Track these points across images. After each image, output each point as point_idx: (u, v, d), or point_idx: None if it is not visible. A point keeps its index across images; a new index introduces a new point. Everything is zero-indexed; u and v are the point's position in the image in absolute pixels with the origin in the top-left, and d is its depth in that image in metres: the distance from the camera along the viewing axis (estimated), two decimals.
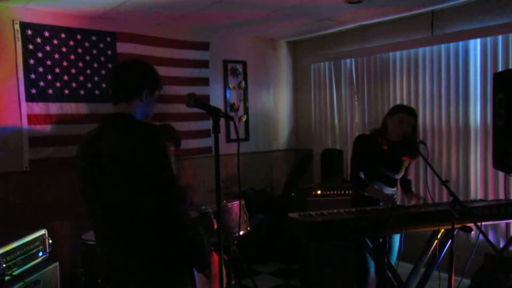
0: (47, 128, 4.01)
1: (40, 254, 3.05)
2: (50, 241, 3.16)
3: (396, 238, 3.21)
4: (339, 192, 4.18)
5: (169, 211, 1.87)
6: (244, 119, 5.54)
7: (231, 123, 2.01)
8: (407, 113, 3.02)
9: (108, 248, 2.00)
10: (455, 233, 2.44)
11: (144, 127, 1.92)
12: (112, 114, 2.01)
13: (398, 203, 3.28)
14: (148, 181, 1.82)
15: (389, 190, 3.18)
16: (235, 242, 4.06)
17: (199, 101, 1.95)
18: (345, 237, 3.06)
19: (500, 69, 3.89)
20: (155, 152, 1.84)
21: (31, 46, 3.88)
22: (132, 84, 2.00)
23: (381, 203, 2.91)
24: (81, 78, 4.18)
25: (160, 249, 1.88)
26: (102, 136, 1.95)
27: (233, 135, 5.36)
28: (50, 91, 4.01)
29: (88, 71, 4.22)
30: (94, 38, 4.25)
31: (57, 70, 4.03)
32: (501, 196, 3.91)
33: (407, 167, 3.25)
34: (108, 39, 4.34)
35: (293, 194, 4.84)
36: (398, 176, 3.22)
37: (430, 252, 2.99)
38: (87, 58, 4.21)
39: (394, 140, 3.03)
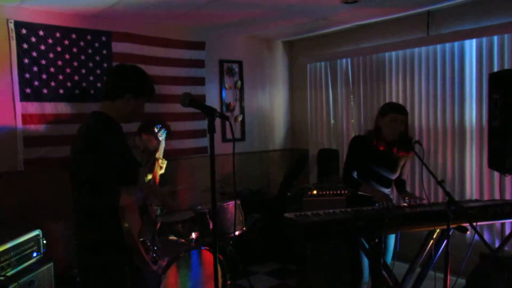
0: (41, 127, 3.99)
1: (35, 254, 3.04)
2: (45, 242, 3.15)
3: (392, 238, 3.22)
4: (335, 192, 4.16)
5: (86, 204, 2.09)
6: (240, 119, 5.53)
7: (227, 122, 2.05)
8: (398, 112, 3.03)
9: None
10: (450, 233, 2.45)
11: (93, 123, 2.15)
12: (93, 112, 2.23)
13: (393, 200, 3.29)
14: (85, 177, 2.02)
15: (384, 191, 3.18)
16: (231, 242, 4.05)
17: (194, 101, 1.94)
18: (341, 237, 3.07)
19: (495, 69, 3.90)
20: (85, 147, 2.06)
21: (25, 45, 3.85)
22: (116, 85, 2.19)
23: (376, 204, 2.91)
24: (76, 77, 4.16)
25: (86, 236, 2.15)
26: (78, 133, 2.19)
27: (228, 135, 5.36)
28: (45, 91, 3.98)
29: (83, 71, 4.20)
30: (89, 37, 4.23)
31: (52, 69, 4.01)
32: (497, 196, 3.92)
33: (402, 167, 3.25)
34: (103, 38, 4.32)
35: (289, 194, 4.84)
36: (394, 177, 3.23)
37: (425, 252, 2.99)
38: (82, 57, 4.19)
39: (390, 140, 3.03)
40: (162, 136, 3.17)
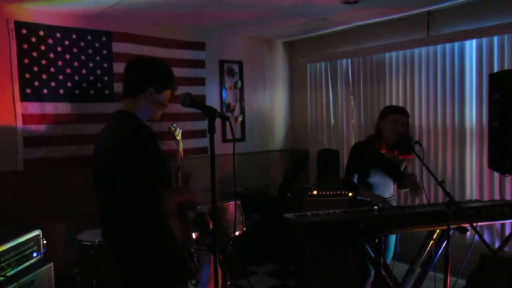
0: (42, 128, 3.99)
1: (35, 254, 3.04)
2: (45, 242, 3.15)
3: (392, 238, 3.22)
4: (335, 193, 4.17)
5: (144, 215, 1.96)
6: (240, 119, 5.53)
7: (227, 123, 2.02)
8: (398, 113, 3.03)
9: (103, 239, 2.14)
10: (450, 233, 2.44)
11: (132, 123, 1.99)
12: (117, 111, 2.08)
13: (395, 204, 3.29)
14: (128, 181, 1.92)
15: (386, 192, 3.18)
16: (231, 242, 4.05)
17: (194, 101, 1.94)
18: (341, 238, 3.06)
19: (495, 70, 3.90)
20: (127, 150, 1.93)
21: (26, 46, 3.85)
22: (137, 79, 2.04)
23: (380, 204, 2.91)
24: (76, 77, 4.16)
25: (129, 252, 1.98)
26: (105, 133, 2.07)
27: (229, 135, 5.35)
28: (45, 91, 3.98)
29: (84, 71, 4.20)
30: (89, 37, 4.23)
31: (52, 69, 4.01)
32: (497, 196, 3.92)
33: (405, 167, 3.25)
34: (104, 38, 4.32)
35: (289, 194, 4.83)
36: (396, 181, 3.23)
37: (425, 253, 2.99)
38: (83, 57, 4.19)
39: (391, 142, 3.04)
40: (179, 135, 2.96)
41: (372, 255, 2.80)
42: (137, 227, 1.98)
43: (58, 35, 4.03)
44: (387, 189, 3.21)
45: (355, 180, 3.16)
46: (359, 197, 3.12)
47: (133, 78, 2.06)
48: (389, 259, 3.22)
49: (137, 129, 1.98)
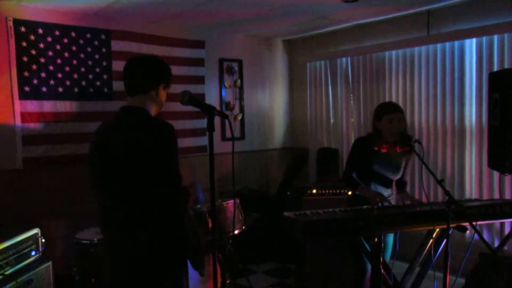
0: (40, 126, 3.98)
1: (33, 253, 3.03)
2: (43, 240, 3.14)
3: (390, 237, 3.21)
4: (334, 191, 4.17)
5: (172, 209, 1.97)
6: (239, 117, 5.52)
7: (227, 121, 2.04)
8: (393, 112, 3.01)
9: (109, 239, 2.12)
10: (450, 232, 2.44)
11: (160, 124, 2.02)
12: (128, 106, 2.09)
13: (393, 203, 3.28)
14: (157, 177, 1.92)
15: (385, 191, 3.17)
16: (230, 241, 4.05)
17: (193, 99, 1.94)
18: (341, 236, 3.07)
19: (495, 68, 3.89)
20: (167, 150, 1.94)
21: (24, 44, 3.84)
22: (149, 76, 2.09)
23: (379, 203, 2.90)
24: (75, 75, 4.15)
25: (156, 243, 1.96)
26: (116, 129, 2.05)
27: (228, 134, 5.35)
28: (44, 89, 3.97)
29: (83, 69, 4.19)
30: (88, 35, 4.22)
31: (51, 67, 4.00)
32: (496, 195, 3.92)
33: (405, 167, 3.25)
34: (103, 36, 4.31)
35: (288, 193, 4.83)
36: (397, 177, 3.22)
37: (425, 251, 2.99)
38: (82, 55, 4.18)
39: (390, 140, 3.03)
40: None
41: (371, 253, 2.80)
42: (165, 219, 1.99)
43: (57, 33, 4.02)
44: (386, 187, 3.20)
45: (355, 176, 3.14)
46: (357, 193, 3.10)
47: (145, 75, 2.09)
48: (387, 257, 3.22)
49: (164, 123, 2.03)
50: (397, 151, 3.06)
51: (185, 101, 1.92)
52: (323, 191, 4.18)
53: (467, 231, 2.48)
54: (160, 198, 1.96)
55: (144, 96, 2.08)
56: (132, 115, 2.07)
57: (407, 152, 3.12)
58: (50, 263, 3.13)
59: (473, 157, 4.16)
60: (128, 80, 2.11)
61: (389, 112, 3.02)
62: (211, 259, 2.01)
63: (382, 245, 2.74)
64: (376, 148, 3.05)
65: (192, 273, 3.40)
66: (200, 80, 5.09)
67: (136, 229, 1.99)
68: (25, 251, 2.96)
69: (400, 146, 3.05)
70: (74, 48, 4.13)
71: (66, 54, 4.08)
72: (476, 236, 2.32)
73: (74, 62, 4.14)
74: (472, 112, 4.15)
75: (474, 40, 4.09)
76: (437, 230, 2.88)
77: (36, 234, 3.10)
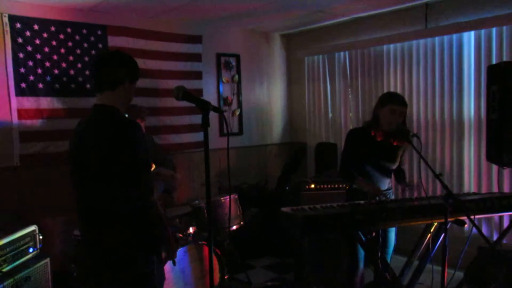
0: (37, 122, 3.96)
1: (31, 250, 3.03)
2: (41, 237, 3.14)
3: (392, 233, 3.21)
4: (333, 186, 4.16)
5: (136, 205, 2.03)
6: (237, 113, 5.51)
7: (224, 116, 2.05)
8: (398, 104, 3.00)
9: (84, 237, 2.22)
10: (448, 226, 2.43)
11: (120, 121, 2.07)
12: (99, 104, 2.14)
13: (392, 197, 3.27)
14: (119, 175, 1.99)
15: (383, 181, 3.16)
16: (229, 236, 4.05)
17: (188, 94, 1.92)
18: (338, 231, 3.06)
19: (494, 61, 3.88)
20: (127, 146, 1.98)
21: (20, 40, 3.82)
22: (115, 72, 2.11)
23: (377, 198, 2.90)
24: (72, 72, 4.13)
25: (123, 239, 2.04)
26: (87, 128, 2.12)
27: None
28: (40, 85, 3.95)
29: (79, 65, 4.17)
30: (84, 31, 4.19)
31: (47, 64, 3.98)
32: (495, 189, 3.91)
33: (401, 156, 3.23)
34: (99, 32, 4.29)
35: (287, 188, 4.83)
36: (393, 166, 3.21)
37: (423, 245, 2.99)
38: (78, 51, 4.16)
39: (387, 130, 3.01)
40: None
41: (369, 247, 2.79)
42: (133, 213, 2.05)
43: (52, 28, 4.00)
44: (384, 181, 3.19)
45: (352, 169, 3.13)
46: (354, 186, 3.08)
47: (111, 71, 2.11)
48: (390, 253, 3.21)
49: (131, 122, 2.07)
50: (392, 142, 3.06)
51: (179, 96, 1.91)
52: (321, 186, 4.18)
53: (466, 225, 2.47)
54: (125, 195, 2.03)
55: (111, 93, 2.11)
56: (101, 114, 2.11)
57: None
58: (48, 259, 3.13)
59: (471, 151, 4.16)
60: (96, 77, 2.16)
61: (394, 103, 3.00)
62: (207, 254, 2.02)
63: (384, 240, 2.74)
64: (373, 134, 3.03)
65: (185, 267, 3.40)
66: (197, 75, 5.08)
67: (103, 223, 2.08)
68: (22, 248, 2.96)
69: (397, 140, 3.04)
70: (70, 44, 4.11)
71: (62, 50, 4.06)
72: (474, 230, 2.31)
73: (71, 58, 4.12)
74: (471, 105, 4.14)
75: (472, 33, 4.08)
76: (435, 224, 2.87)
77: (34, 231, 3.10)
